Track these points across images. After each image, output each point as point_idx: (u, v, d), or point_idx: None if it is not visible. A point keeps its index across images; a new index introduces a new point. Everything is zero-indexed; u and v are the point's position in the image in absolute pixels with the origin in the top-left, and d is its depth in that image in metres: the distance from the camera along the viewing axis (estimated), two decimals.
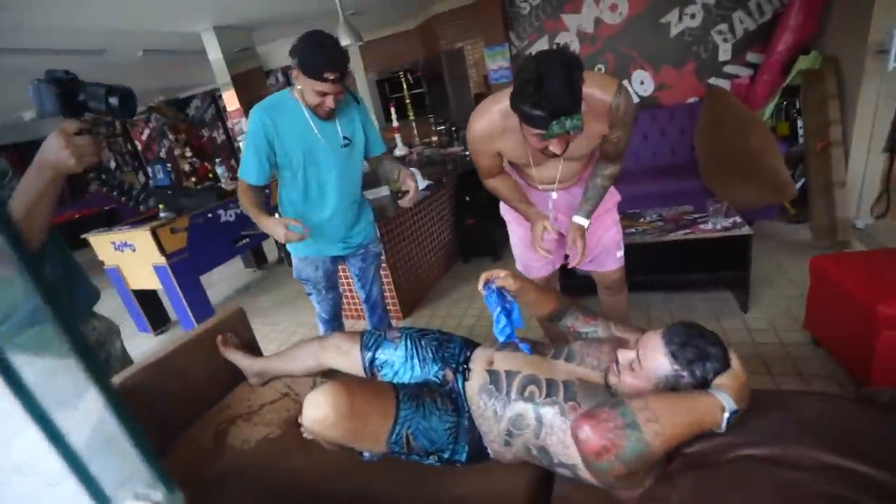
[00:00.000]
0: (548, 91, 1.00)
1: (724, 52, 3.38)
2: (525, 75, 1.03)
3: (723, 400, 0.75)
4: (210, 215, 3.18)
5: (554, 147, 1.13)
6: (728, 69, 3.42)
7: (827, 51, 2.88)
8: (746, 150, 2.71)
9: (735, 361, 0.83)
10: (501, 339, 1.07)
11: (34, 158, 0.81)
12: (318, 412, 0.90)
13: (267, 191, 1.64)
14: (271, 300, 3.56)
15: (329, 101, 1.44)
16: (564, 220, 1.55)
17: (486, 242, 3.34)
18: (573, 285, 2.28)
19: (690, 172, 3.11)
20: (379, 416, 0.96)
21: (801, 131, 3.03)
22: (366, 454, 1.04)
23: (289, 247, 1.73)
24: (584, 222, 1.44)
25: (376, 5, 3.94)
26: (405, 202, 1.65)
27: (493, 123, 1.28)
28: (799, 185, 2.98)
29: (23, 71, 3.42)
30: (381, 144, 1.75)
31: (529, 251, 1.64)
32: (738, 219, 2.12)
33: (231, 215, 3.41)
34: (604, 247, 1.62)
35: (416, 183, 1.65)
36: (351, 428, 0.92)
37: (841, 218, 2.62)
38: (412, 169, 1.74)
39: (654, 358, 0.87)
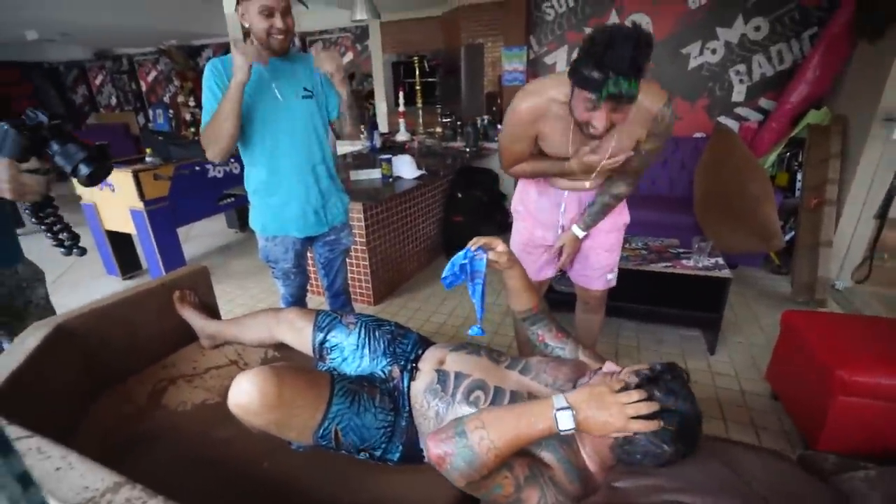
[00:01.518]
0: (615, 53, 0.99)
1: (738, 94, 3.37)
2: (596, 38, 1.02)
3: (554, 400, 0.75)
4: (198, 168, 3.10)
5: (598, 120, 1.11)
6: (739, 111, 3.41)
7: (837, 109, 2.88)
8: (743, 193, 2.71)
9: (604, 384, 0.78)
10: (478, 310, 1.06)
11: None
12: (243, 398, 0.87)
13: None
14: (246, 264, 3.50)
15: (278, 21, 1.35)
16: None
17: (471, 238, 3.29)
18: (554, 300, 2.25)
19: (684, 207, 3.11)
20: (308, 409, 0.92)
21: (798, 184, 3.04)
22: (293, 444, 1.01)
23: (254, 225, 1.62)
24: (580, 233, 1.46)
25: None
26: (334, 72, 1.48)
27: (540, 104, 1.26)
28: (788, 237, 2.99)
29: None
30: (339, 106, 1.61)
31: (528, 254, 1.64)
32: (721, 260, 2.11)
33: (220, 171, 3.33)
34: (601, 266, 1.60)
35: (330, 59, 1.46)
36: (275, 418, 0.88)
37: (822, 277, 2.63)
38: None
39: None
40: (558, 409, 0.74)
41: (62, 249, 0.94)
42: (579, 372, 0.99)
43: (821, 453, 1.05)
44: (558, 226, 1.56)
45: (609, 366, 0.92)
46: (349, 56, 5.68)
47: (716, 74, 3.39)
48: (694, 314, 2.15)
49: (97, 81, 8.28)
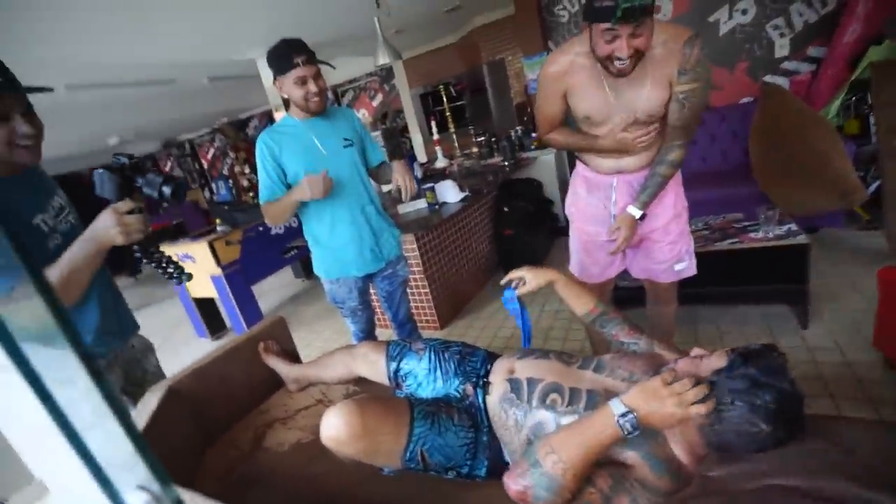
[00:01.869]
0: None
1: (781, 48, 3.16)
2: None
3: (612, 406, 0.76)
4: (261, 228, 3.38)
5: (620, 50, 1.12)
6: (786, 66, 3.19)
7: None
8: (808, 151, 2.52)
9: (656, 379, 0.77)
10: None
11: (86, 230, 0.93)
12: (332, 432, 0.94)
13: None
14: (315, 310, 3.71)
15: (312, 86, 1.50)
16: None
17: (525, 253, 3.30)
18: (622, 296, 2.19)
19: (744, 177, 2.92)
20: (393, 435, 0.98)
21: (873, 129, 2.77)
22: (384, 469, 1.06)
23: (318, 271, 1.75)
24: (637, 212, 1.40)
25: (417, 23, 4.06)
26: (404, 196, 1.61)
27: (565, 61, 1.31)
28: (872, 187, 2.72)
29: (102, 104, 3.84)
30: (379, 153, 1.77)
31: (588, 256, 1.62)
32: (794, 226, 1.96)
33: (280, 228, 3.61)
34: (665, 259, 1.53)
35: (406, 178, 1.60)
36: (364, 447, 0.94)
37: None
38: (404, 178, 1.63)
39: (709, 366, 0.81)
40: (620, 416, 0.76)
41: (174, 279, 1.08)
42: (656, 363, 0.97)
43: None
44: (610, 217, 1.51)
45: (696, 350, 0.90)
46: (379, 97, 5.98)
47: (751, 34, 3.21)
48: (777, 288, 2.00)
49: (167, 168, 9.28)
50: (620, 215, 1.44)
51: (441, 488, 1.09)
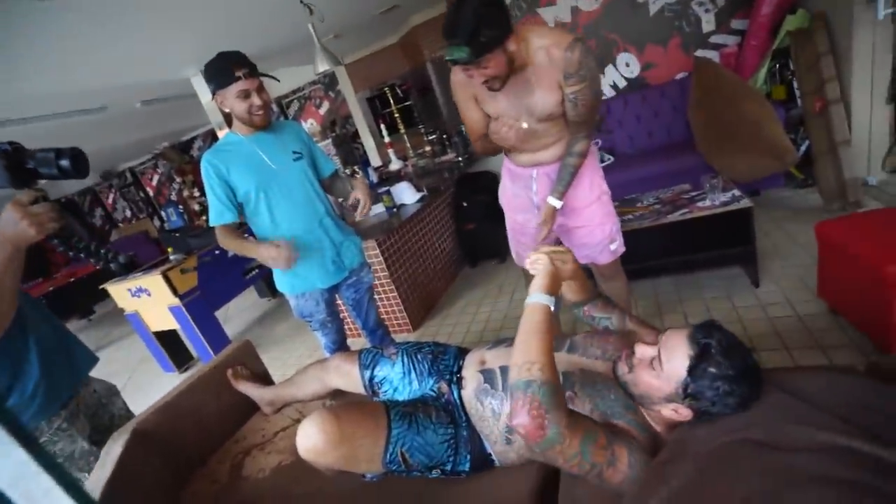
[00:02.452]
0: (449, 19, 1.16)
1: (708, 23, 3.32)
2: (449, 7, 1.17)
3: (532, 301, 0.88)
4: (217, 252, 3.26)
5: (476, 78, 1.27)
6: (714, 39, 3.35)
7: (814, 7, 2.80)
8: (742, 119, 2.66)
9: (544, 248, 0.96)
10: None
11: None
12: (309, 442, 0.93)
13: (244, 229, 1.67)
14: (285, 327, 3.62)
15: (256, 99, 1.47)
16: None
17: (490, 245, 3.34)
18: None
19: (689, 149, 3.06)
20: (371, 438, 0.97)
21: (798, 93, 2.95)
22: (367, 475, 1.05)
23: (282, 288, 1.71)
24: (557, 203, 1.49)
25: (354, 26, 4.01)
26: (358, 214, 1.62)
27: (463, 75, 1.37)
28: (803, 148, 2.90)
29: (33, 136, 3.59)
30: (330, 163, 1.75)
31: (520, 243, 1.72)
32: (737, 192, 2.07)
33: None
34: (597, 242, 1.61)
35: (365, 193, 1.62)
36: (343, 453, 0.93)
37: (850, 178, 2.53)
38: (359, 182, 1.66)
39: (676, 361, 0.82)
40: (543, 300, 0.88)
41: (112, 266, 0.93)
42: (628, 342, 0.99)
43: (891, 356, 1.02)
44: (534, 206, 1.61)
45: (647, 350, 0.90)
46: (326, 105, 5.88)
47: (679, 12, 3.36)
48: (727, 252, 2.11)
49: (109, 200, 8.80)
50: (543, 208, 1.53)
51: (427, 488, 1.09)
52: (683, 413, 0.81)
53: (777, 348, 1.71)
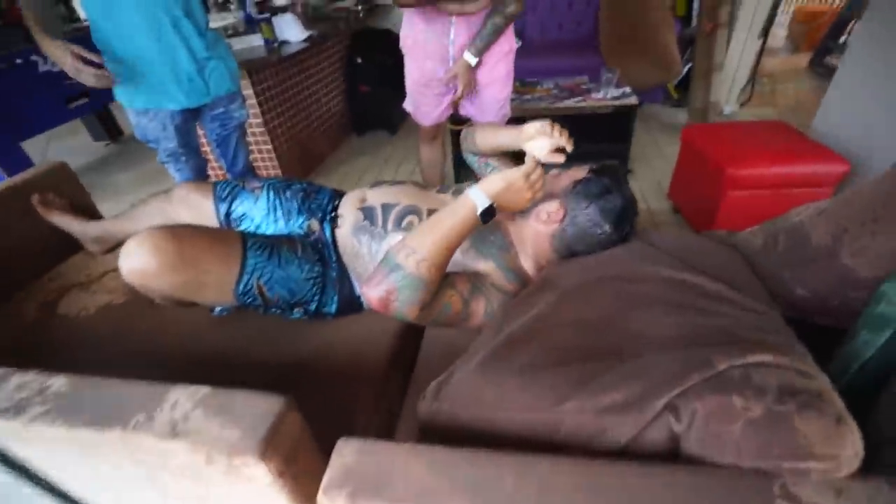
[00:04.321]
0: None
1: None
2: None
3: (474, 198, 0.75)
4: (19, 61, 2.45)
5: None
6: None
7: None
8: (644, 24, 2.70)
9: (518, 171, 0.78)
10: None
11: None
12: (137, 262, 0.76)
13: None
14: (132, 177, 3.05)
15: None
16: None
17: (382, 113, 3.12)
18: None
19: (592, 48, 3.06)
20: (220, 265, 0.85)
21: (695, 12, 3.07)
22: (216, 309, 0.94)
23: (119, 98, 1.39)
24: (472, 60, 1.43)
25: None
26: None
27: None
28: (686, 69, 3.10)
29: None
30: None
31: (422, 95, 1.62)
32: (628, 90, 2.15)
33: (57, 66, 2.68)
34: (496, 100, 1.58)
35: None
36: (183, 279, 0.80)
37: (713, 102, 2.81)
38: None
39: (564, 179, 0.86)
40: (484, 209, 0.75)
41: None
42: None
43: (715, 231, 1.17)
44: (449, 57, 1.51)
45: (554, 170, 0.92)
46: None
47: None
48: (607, 147, 2.24)
49: None
50: (457, 62, 1.46)
51: (282, 326, 1.02)
52: (553, 214, 0.84)
53: None
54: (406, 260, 0.72)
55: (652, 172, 2.41)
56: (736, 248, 0.89)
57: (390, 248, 0.74)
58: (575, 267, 0.83)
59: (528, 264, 0.90)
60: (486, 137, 1.07)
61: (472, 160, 1.16)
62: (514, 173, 0.77)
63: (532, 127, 0.94)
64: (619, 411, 0.47)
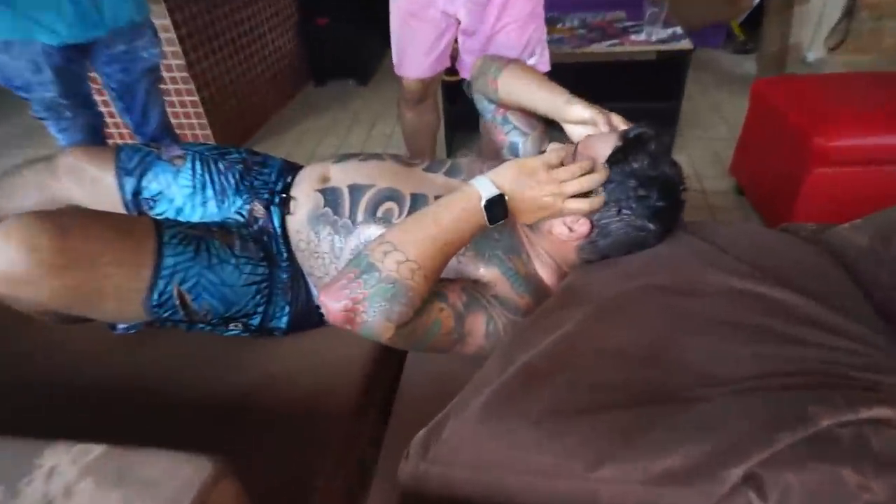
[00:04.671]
0: None
1: None
2: None
3: (478, 187, 0.73)
4: None
5: None
6: None
7: None
8: None
9: (538, 160, 0.77)
10: None
11: None
12: (3, 261, 0.72)
13: None
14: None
15: None
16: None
17: (347, 56, 3.11)
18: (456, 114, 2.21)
19: None
20: (124, 266, 0.81)
21: None
22: (119, 325, 0.91)
23: None
24: None
25: None
26: None
27: None
28: (755, 2, 3.10)
29: None
30: None
31: (412, 28, 1.59)
32: (679, 29, 2.14)
33: None
34: (513, 46, 1.55)
35: None
36: (72, 284, 0.76)
37: (793, 46, 2.81)
38: None
39: (593, 152, 0.81)
40: (488, 200, 0.72)
41: None
42: None
43: (798, 224, 1.17)
44: None
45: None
46: None
47: None
48: (649, 107, 2.23)
49: None
50: None
51: (218, 345, 1.00)
52: (578, 228, 0.81)
53: None
54: (384, 259, 0.69)
55: (708, 141, 2.40)
56: (829, 248, 0.89)
57: (363, 249, 0.72)
58: (610, 274, 0.81)
59: (545, 272, 0.89)
60: (517, 87, 1.04)
61: (485, 107, 1.12)
62: (533, 160, 0.75)
63: (581, 109, 0.92)
64: (679, 482, 0.45)
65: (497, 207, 0.73)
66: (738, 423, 0.47)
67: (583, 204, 0.77)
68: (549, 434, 0.52)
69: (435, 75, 1.70)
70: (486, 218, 0.73)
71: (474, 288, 0.83)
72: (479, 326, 0.80)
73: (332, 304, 0.69)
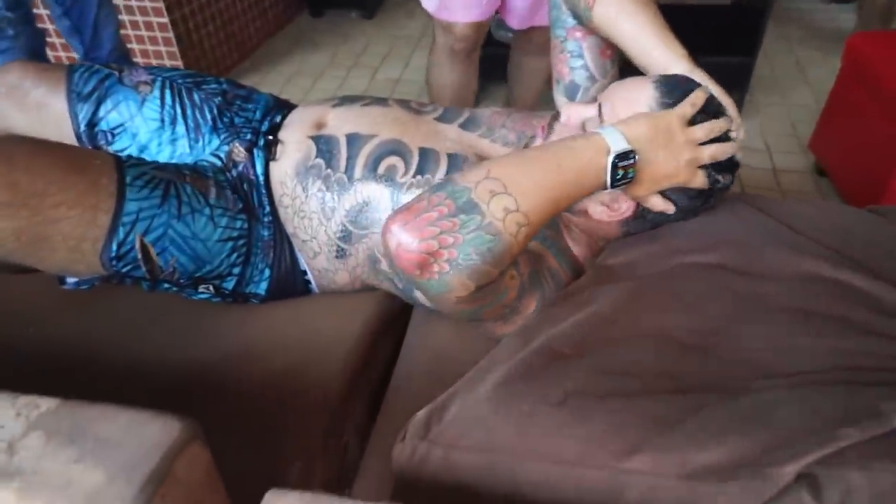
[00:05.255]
0: None
1: None
2: None
3: (607, 138, 0.70)
4: None
5: None
6: None
7: None
8: None
9: (671, 113, 0.75)
10: None
11: None
12: None
13: None
14: None
15: None
16: None
17: None
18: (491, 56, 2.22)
19: None
20: (78, 207, 0.82)
21: None
22: (68, 280, 0.93)
23: None
24: None
25: None
26: None
27: None
28: None
29: None
30: None
31: None
32: None
33: None
34: None
35: None
36: (13, 227, 0.77)
37: None
38: None
39: (629, 109, 0.79)
40: (618, 155, 0.70)
41: None
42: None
43: (889, 206, 1.17)
44: None
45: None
46: None
47: None
48: (714, 60, 2.21)
49: None
50: None
51: (186, 309, 1.03)
52: (621, 208, 0.82)
53: None
54: (490, 202, 0.66)
55: (786, 108, 2.39)
56: None
57: (457, 174, 0.71)
58: (651, 249, 0.82)
59: (577, 248, 0.92)
60: (622, 18, 0.92)
61: (562, 21, 1.03)
62: (668, 115, 0.74)
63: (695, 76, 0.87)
64: (721, 478, 0.47)
65: (623, 168, 0.70)
66: (793, 418, 0.49)
67: (702, 177, 0.77)
68: (571, 417, 0.54)
69: (487, 19, 1.68)
70: (608, 178, 0.70)
71: (536, 261, 0.84)
72: (532, 304, 0.81)
73: (407, 240, 0.65)
